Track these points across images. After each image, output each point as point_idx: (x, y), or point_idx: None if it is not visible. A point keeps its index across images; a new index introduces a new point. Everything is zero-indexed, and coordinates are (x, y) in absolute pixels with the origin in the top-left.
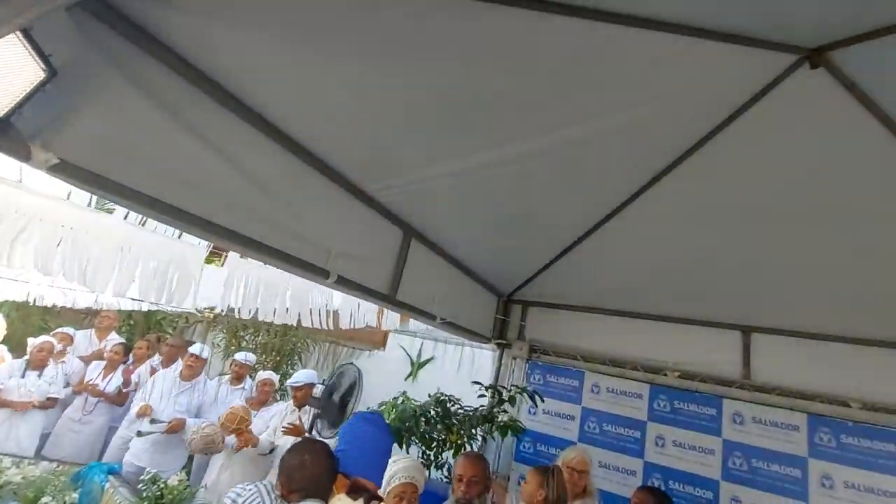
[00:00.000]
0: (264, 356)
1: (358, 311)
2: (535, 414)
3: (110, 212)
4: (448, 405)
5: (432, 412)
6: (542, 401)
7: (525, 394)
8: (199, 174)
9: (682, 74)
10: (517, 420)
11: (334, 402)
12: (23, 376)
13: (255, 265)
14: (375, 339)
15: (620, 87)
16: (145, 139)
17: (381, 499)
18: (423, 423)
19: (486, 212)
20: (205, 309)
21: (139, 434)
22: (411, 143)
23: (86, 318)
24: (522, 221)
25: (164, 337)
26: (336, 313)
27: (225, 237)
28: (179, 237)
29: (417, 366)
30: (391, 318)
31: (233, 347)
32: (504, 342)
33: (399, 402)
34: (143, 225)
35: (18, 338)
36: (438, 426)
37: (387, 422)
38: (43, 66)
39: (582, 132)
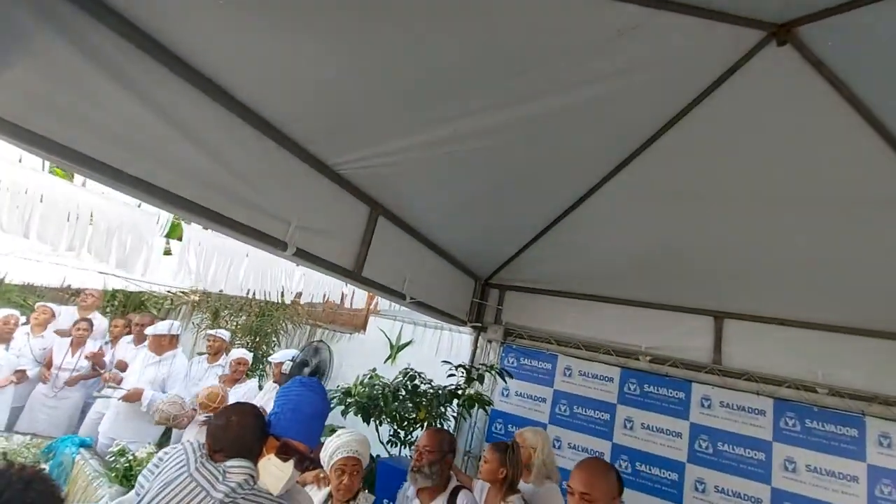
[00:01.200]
0: (244, 336)
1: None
2: (507, 396)
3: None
4: (416, 382)
5: (401, 390)
6: (511, 377)
7: (493, 371)
8: (143, 137)
9: (647, 49)
10: (483, 394)
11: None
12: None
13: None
14: (356, 322)
15: (588, 58)
16: (82, 97)
17: (312, 460)
18: (391, 401)
19: (456, 190)
20: (190, 290)
21: (93, 396)
22: (375, 114)
23: (70, 297)
24: (495, 202)
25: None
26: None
27: (173, 203)
28: (139, 206)
29: (396, 349)
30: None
31: (213, 327)
32: (480, 325)
33: (367, 378)
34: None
35: None
36: (408, 403)
37: (351, 395)
38: None
39: (550, 106)
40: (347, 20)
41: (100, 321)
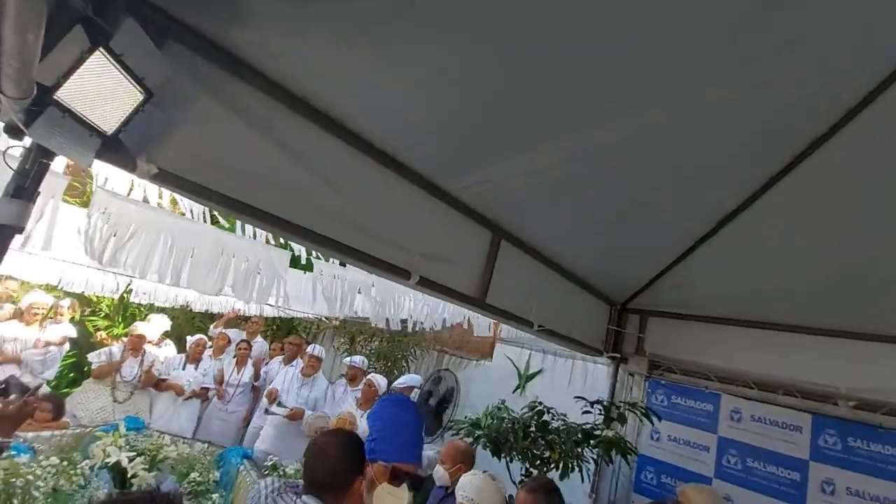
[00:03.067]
0: (377, 361)
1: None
2: (658, 440)
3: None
4: (545, 418)
5: (532, 425)
6: (659, 419)
7: (637, 411)
8: (278, 178)
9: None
10: (624, 437)
11: (430, 408)
12: (183, 368)
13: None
14: (482, 349)
15: (734, 38)
16: (232, 148)
17: (423, 479)
18: (521, 437)
19: (583, 209)
20: (332, 316)
21: (266, 412)
22: (491, 135)
23: (240, 322)
24: (630, 218)
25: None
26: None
27: (304, 237)
28: (266, 242)
29: (525, 378)
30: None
31: (350, 351)
32: (619, 356)
33: (496, 411)
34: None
35: (183, 335)
36: (539, 441)
37: (480, 428)
38: (139, 89)
39: (690, 104)
40: (460, 38)
41: (261, 344)
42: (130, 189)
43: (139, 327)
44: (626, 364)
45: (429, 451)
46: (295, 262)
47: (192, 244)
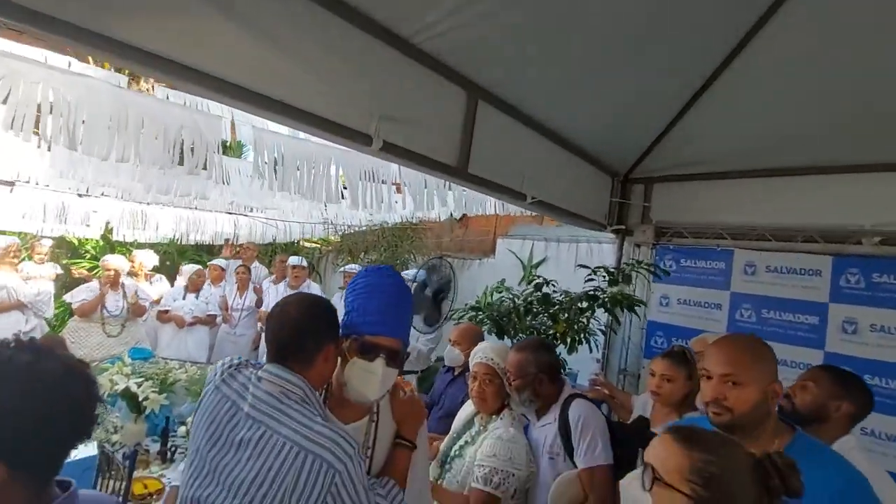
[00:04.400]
0: None
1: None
2: (667, 305)
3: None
4: (546, 290)
5: (533, 300)
6: (667, 274)
7: (644, 268)
8: (212, 33)
9: None
10: (631, 294)
11: (427, 298)
12: (184, 298)
13: None
14: (484, 247)
15: None
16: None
17: (405, 355)
18: (523, 314)
19: (569, 64)
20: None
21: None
22: None
23: (236, 252)
24: (623, 72)
25: None
26: None
27: (248, 101)
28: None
29: (529, 269)
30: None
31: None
32: (623, 228)
33: (495, 292)
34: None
35: (177, 268)
36: (543, 317)
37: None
38: None
39: None
40: None
41: (258, 268)
42: None
43: (109, 260)
44: (632, 236)
45: (421, 346)
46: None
47: (83, 101)
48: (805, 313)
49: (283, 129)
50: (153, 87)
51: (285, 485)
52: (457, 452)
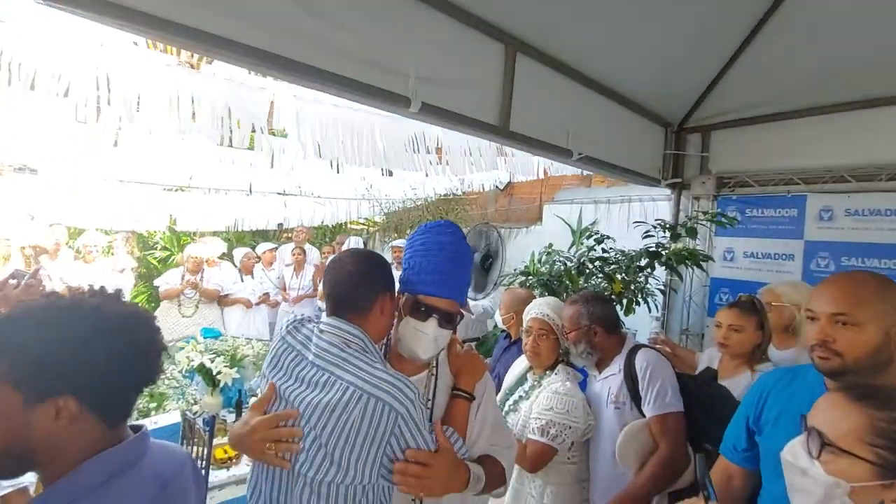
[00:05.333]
0: None
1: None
2: (732, 259)
3: None
4: (602, 248)
5: (587, 263)
6: (737, 223)
7: (709, 219)
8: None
9: None
10: (697, 249)
11: (476, 264)
12: (241, 281)
13: None
14: (530, 215)
15: None
16: None
17: (459, 317)
18: (577, 276)
19: (611, 2)
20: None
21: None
22: None
23: (287, 237)
24: (671, 9)
25: None
26: None
27: (285, 69)
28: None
29: (579, 234)
30: None
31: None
32: (680, 181)
33: (545, 256)
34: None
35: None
36: (598, 277)
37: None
38: None
39: None
40: None
41: (311, 250)
42: None
43: (193, 249)
44: (689, 190)
45: (476, 313)
46: None
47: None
48: (893, 257)
49: (325, 98)
50: (197, 62)
51: (350, 424)
52: (511, 407)
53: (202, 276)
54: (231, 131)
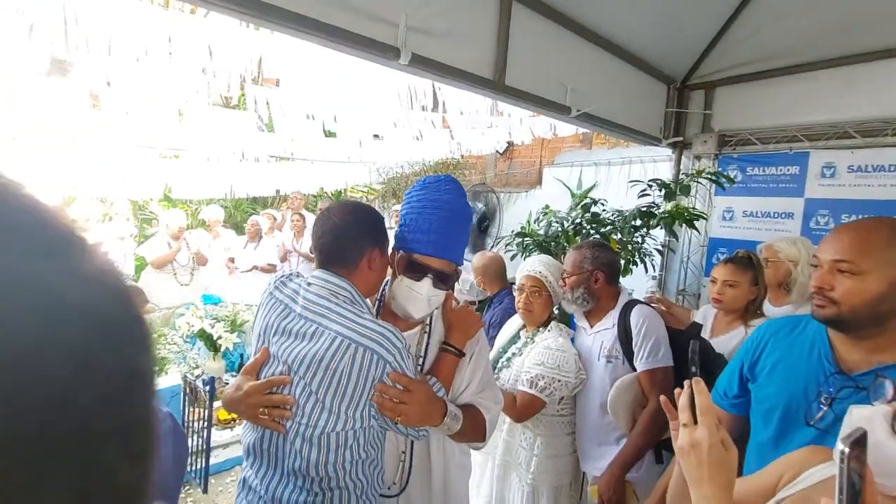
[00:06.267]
0: None
1: None
2: (731, 219)
3: None
4: (595, 209)
5: (582, 223)
6: (732, 182)
7: (705, 177)
8: None
9: None
10: (690, 208)
11: (472, 225)
12: (245, 248)
13: None
14: (529, 179)
15: None
16: None
17: (455, 277)
18: (572, 235)
19: None
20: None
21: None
22: None
23: (281, 202)
24: None
25: None
26: None
27: (267, 14)
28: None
29: (579, 197)
30: None
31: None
32: (681, 140)
33: (541, 216)
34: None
35: (237, 222)
36: (591, 236)
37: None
38: None
39: None
40: None
41: (310, 216)
42: None
43: (169, 216)
44: (690, 148)
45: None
46: None
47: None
48: (893, 213)
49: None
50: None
51: (339, 373)
52: (504, 364)
53: (187, 243)
54: (214, 75)
